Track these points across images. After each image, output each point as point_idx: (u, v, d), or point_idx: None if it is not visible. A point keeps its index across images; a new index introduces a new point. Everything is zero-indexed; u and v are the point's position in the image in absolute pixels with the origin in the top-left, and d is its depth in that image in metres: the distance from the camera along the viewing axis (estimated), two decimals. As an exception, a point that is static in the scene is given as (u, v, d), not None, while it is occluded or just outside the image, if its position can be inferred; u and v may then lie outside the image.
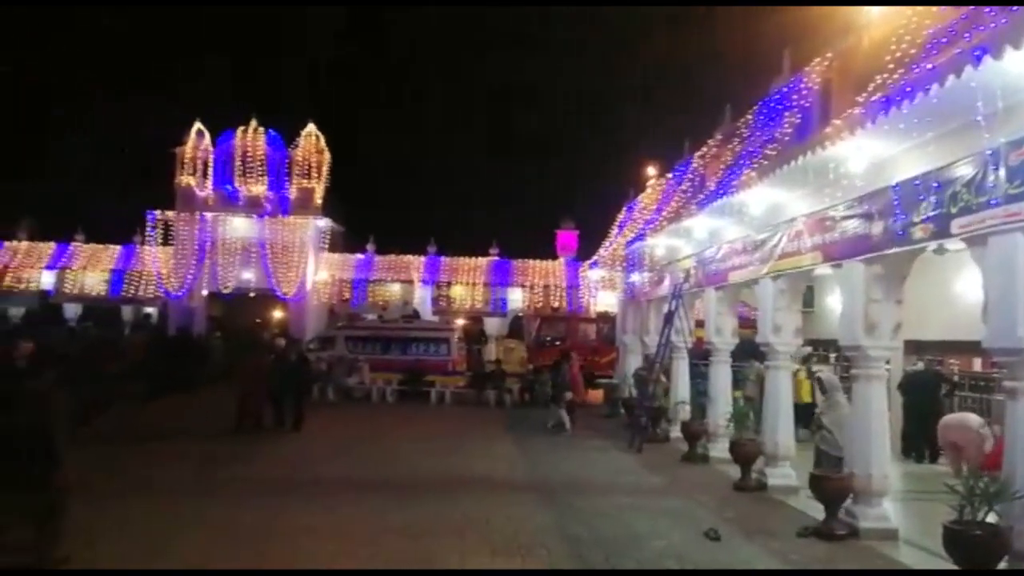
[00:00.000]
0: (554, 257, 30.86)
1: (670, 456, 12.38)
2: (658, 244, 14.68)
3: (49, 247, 30.72)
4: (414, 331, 22.14)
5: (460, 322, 29.42)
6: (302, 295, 29.26)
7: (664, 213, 14.14)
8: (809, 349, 13.66)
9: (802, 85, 8.95)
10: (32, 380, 6.23)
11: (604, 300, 25.88)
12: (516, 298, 30.10)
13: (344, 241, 32.41)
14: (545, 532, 7.49)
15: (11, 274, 30.10)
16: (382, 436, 13.93)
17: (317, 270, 29.92)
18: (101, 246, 30.86)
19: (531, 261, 30.58)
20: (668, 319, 13.68)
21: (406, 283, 30.15)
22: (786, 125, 8.86)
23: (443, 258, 30.65)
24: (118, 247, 30.74)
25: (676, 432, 13.50)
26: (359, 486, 9.42)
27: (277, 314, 33.17)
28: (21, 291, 30.39)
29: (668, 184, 15.38)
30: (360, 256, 30.84)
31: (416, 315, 26.85)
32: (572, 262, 29.95)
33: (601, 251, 20.58)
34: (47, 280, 30.24)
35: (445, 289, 30.24)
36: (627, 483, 10.23)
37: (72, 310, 30.79)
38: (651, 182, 17.94)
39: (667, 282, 14.84)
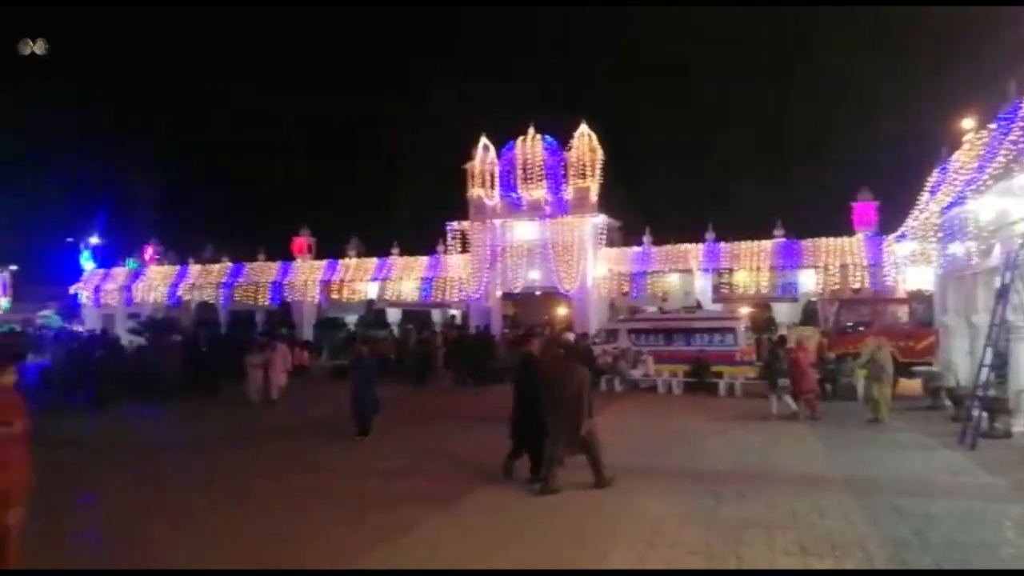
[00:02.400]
0: (850, 233, 27.99)
1: (1014, 454, 10.56)
2: (983, 207, 12.59)
3: (372, 262, 35.70)
4: (697, 321, 21.69)
5: (745, 310, 28.15)
6: (583, 291, 30.31)
7: (989, 170, 12.09)
8: None
9: None
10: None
11: (915, 277, 22.89)
12: (808, 281, 27.89)
13: (621, 235, 32.89)
14: (862, 533, 6.86)
15: (346, 287, 35.59)
16: (674, 426, 13.89)
17: (596, 266, 30.76)
18: (412, 258, 35.06)
19: (823, 239, 28.05)
20: (1002, 294, 11.67)
21: (685, 272, 29.63)
22: None
23: (723, 244, 29.52)
24: (426, 257, 34.67)
25: (1020, 427, 11.48)
26: (670, 475, 9.48)
27: (562, 310, 34.83)
28: (354, 301, 35.90)
29: (992, 136, 13.09)
30: (637, 249, 31.02)
31: (698, 305, 26.28)
32: (873, 237, 26.92)
33: (909, 221, 18.23)
34: (372, 290, 35.21)
35: (727, 276, 29.10)
36: (959, 484, 8.93)
37: (393, 315, 35.52)
38: (968, 136, 15.43)
39: (998, 251, 12.67)
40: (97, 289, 41.56)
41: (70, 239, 49.51)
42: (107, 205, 58.36)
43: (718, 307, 27.38)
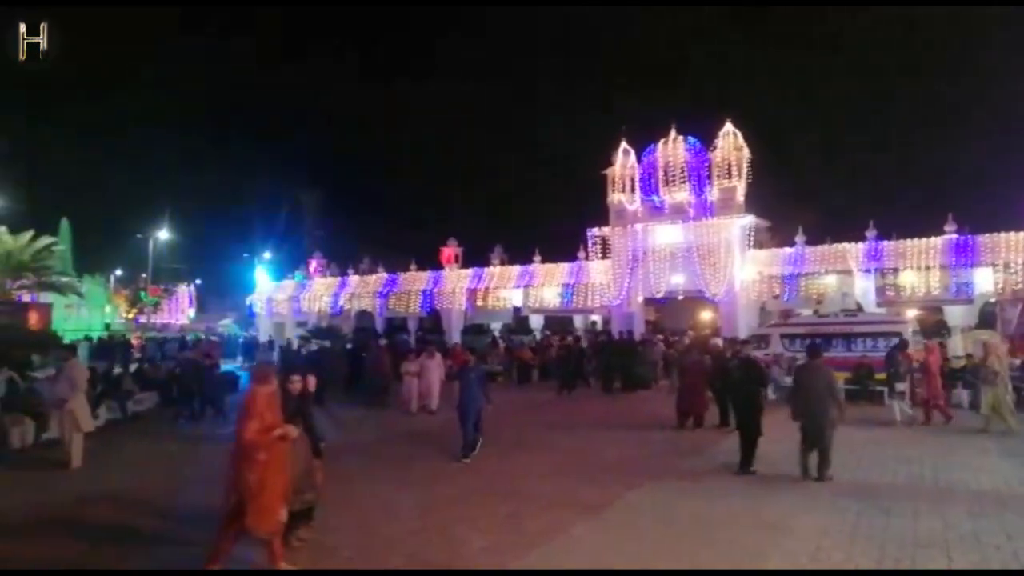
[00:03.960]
0: (1034, 227, 25.17)
1: None
2: None
3: (515, 269, 36.52)
4: (858, 325, 20.36)
5: (912, 313, 26.09)
6: (730, 295, 29.34)
7: None
8: None
9: None
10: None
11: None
12: (984, 281, 25.37)
13: (770, 236, 31.51)
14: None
15: (491, 295, 36.63)
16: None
17: (744, 268, 29.68)
18: (554, 264, 35.50)
19: (1003, 234, 25.40)
20: None
21: (843, 273, 27.90)
22: None
23: (886, 242, 27.52)
24: (567, 264, 34.98)
25: None
26: (832, 488, 9.09)
27: (706, 315, 33.87)
28: (498, 308, 36.87)
29: None
30: (789, 250, 29.59)
31: (858, 308, 24.68)
32: (1063, 230, 24.07)
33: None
34: (516, 297, 35.99)
35: (891, 277, 27.08)
36: None
37: (536, 321, 36.11)
38: None
39: None
40: (269, 300, 45.46)
41: (246, 255, 54.52)
42: (277, 223, 63.60)
43: (881, 311, 25.53)
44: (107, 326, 49.27)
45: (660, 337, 27.56)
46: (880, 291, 27.04)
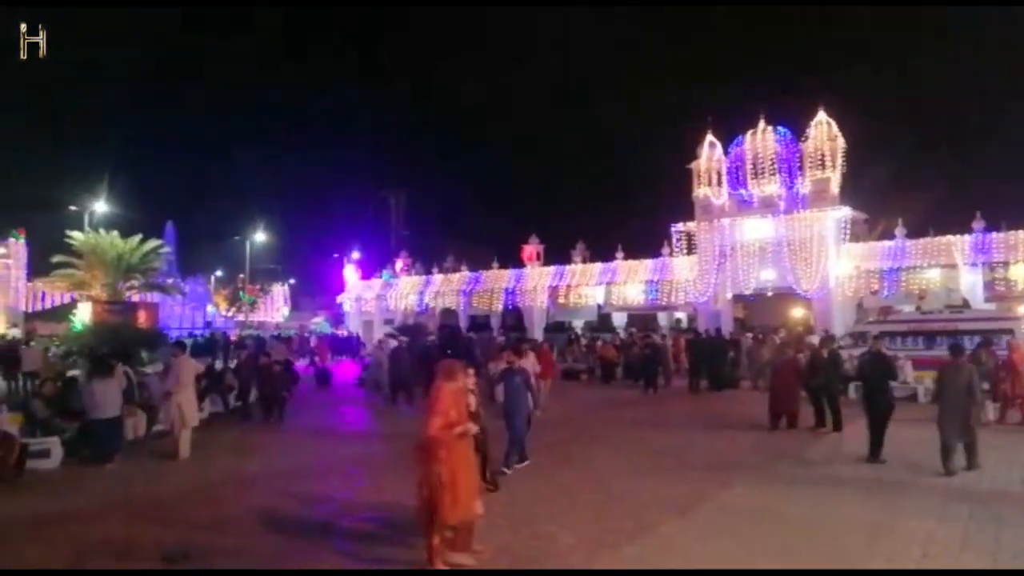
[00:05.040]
0: None
1: None
2: None
3: (597, 266, 36.28)
4: (964, 322, 19.16)
5: (1026, 309, 24.37)
6: (824, 290, 28.19)
7: None
8: None
9: None
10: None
11: None
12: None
13: (867, 229, 30.10)
14: None
15: (572, 292, 36.54)
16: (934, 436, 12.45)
17: (839, 263, 28.45)
18: (637, 261, 35.07)
19: None
20: None
21: (947, 267, 26.36)
22: None
23: (995, 234, 25.82)
24: (651, 260, 34.47)
25: None
26: (942, 491, 8.65)
27: (798, 311, 32.64)
28: (580, 306, 36.74)
29: None
30: (888, 243, 28.19)
31: (965, 304, 23.22)
32: None
33: None
34: (598, 294, 35.75)
35: (1001, 270, 25.41)
36: None
37: (618, 319, 35.77)
38: None
39: None
40: (358, 298, 46.87)
41: (335, 255, 56.37)
42: (365, 223, 65.46)
43: (990, 306, 23.96)
44: (208, 324, 51.97)
45: (749, 335, 26.78)
46: (988, 286, 25.42)
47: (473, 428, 6.42)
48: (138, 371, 15.86)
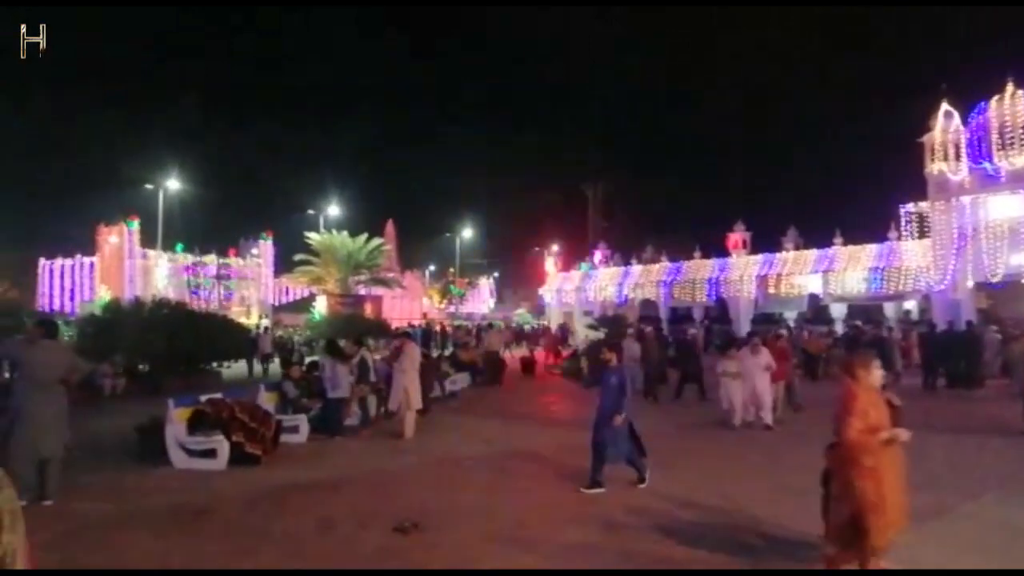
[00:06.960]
0: None
1: None
2: None
3: (812, 253, 33.83)
4: None
5: None
6: None
7: None
8: None
9: None
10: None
11: None
12: None
13: None
14: None
15: (783, 281, 34.43)
16: None
17: (1118, 244, 24.05)
18: (858, 246, 32.20)
19: None
20: None
21: None
22: None
23: None
24: (875, 245, 31.49)
25: None
26: None
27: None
28: (792, 296, 34.52)
29: None
30: None
31: None
32: None
33: None
34: (813, 283, 33.34)
35: None
36: None
37: (837, 310, 33.10)
38: None
39: None
40: (558, 290, 47.87)
41: (536, 248, 58.01)
42: (564, 216, 66.62)
43: None
44: (424, 315, 56.04)
45: (994, 328, 23.50)
46: None
47: (904, 435, 5.27)
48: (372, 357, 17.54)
